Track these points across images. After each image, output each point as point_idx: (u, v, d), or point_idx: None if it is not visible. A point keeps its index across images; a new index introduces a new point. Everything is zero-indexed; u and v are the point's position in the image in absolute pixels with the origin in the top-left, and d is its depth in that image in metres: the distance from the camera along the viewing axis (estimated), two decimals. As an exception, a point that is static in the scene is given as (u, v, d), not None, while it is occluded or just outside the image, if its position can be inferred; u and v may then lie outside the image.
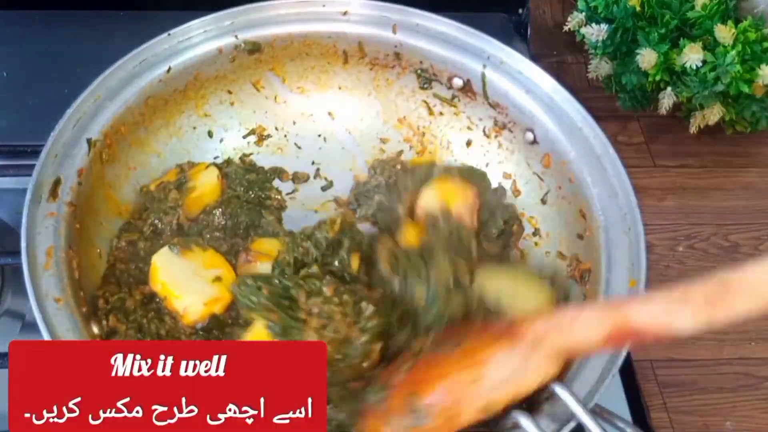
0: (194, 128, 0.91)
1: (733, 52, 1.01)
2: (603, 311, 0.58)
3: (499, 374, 0.60)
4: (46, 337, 0.64)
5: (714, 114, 1.09)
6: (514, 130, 0.87)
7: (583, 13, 1.16)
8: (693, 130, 1.13)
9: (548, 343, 0.59)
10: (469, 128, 0.92)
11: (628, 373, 0.86)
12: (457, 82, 0.89)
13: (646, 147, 1.19)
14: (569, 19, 1.18)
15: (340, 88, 0.95)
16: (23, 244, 0.69)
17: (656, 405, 0.94)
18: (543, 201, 0.86)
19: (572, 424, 0.61)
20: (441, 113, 0.93)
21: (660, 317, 0.53)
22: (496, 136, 0.90)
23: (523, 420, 0.59)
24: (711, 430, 0.92)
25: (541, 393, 0.63)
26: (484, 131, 0.91)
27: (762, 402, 0.94)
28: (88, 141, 0.78)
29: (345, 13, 0.90)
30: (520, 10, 1.17)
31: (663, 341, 0.67)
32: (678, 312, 0.52)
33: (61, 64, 1.05)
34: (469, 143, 0.92)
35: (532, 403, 0.64)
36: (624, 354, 0.65)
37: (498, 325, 0.63)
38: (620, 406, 0.84)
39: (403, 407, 0.61)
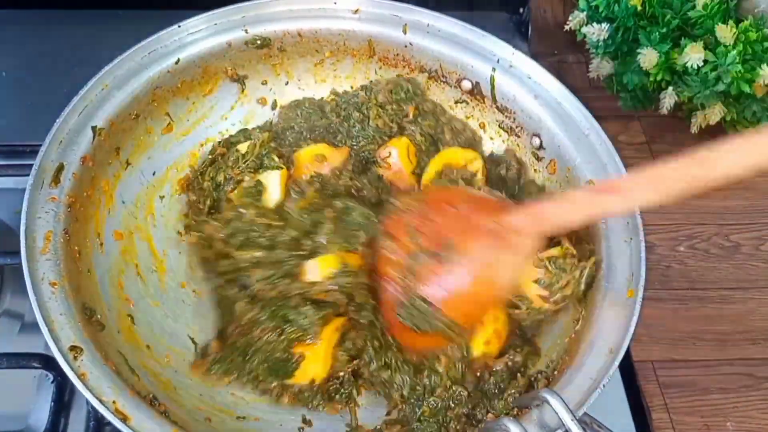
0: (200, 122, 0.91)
1: (734, 52, 1.01)
2: (577, 204, 0.69)
3: (503, 270, 0.71)
4: (40, 321, 0.64)
5: (715, 114, 1.08)
6: (521, 134, 0.87)
7: (584, 13, 1.16)
8: (694, 130, 1.12)
9: (533, 234, 0.70)
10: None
11: (628, 373, 0.86)
12: (466, 85, 0.89)
13: (648, 147, 1.19)
14: (570, 18, 1.18)
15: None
16: (22, 227, 0.69)
17: (657, 406, 0.93)
18: None
19: (559, 433, 0.61)
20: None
21: (623, 205, 0.68)
22: (503, 140, 0.89)
23: (512, 426, 0.59)
24: (712, 431, 0.92)
25: (532, 399, 0.63)
26: (491, 135, 0.90)
27: (764, 403, 0.93)
28: (93, 129, 0.77)
29: (356, 12, 0.89)
30: (521, 9, 1.17)
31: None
32: (635, 199, 0.66)
33: (61, 63, 1.04)
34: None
35: (522, 409, 0.65)
36: (616, 365, 0.65)
37: (489, 226, 0.71)
38: (621, 406, 0.84)
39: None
